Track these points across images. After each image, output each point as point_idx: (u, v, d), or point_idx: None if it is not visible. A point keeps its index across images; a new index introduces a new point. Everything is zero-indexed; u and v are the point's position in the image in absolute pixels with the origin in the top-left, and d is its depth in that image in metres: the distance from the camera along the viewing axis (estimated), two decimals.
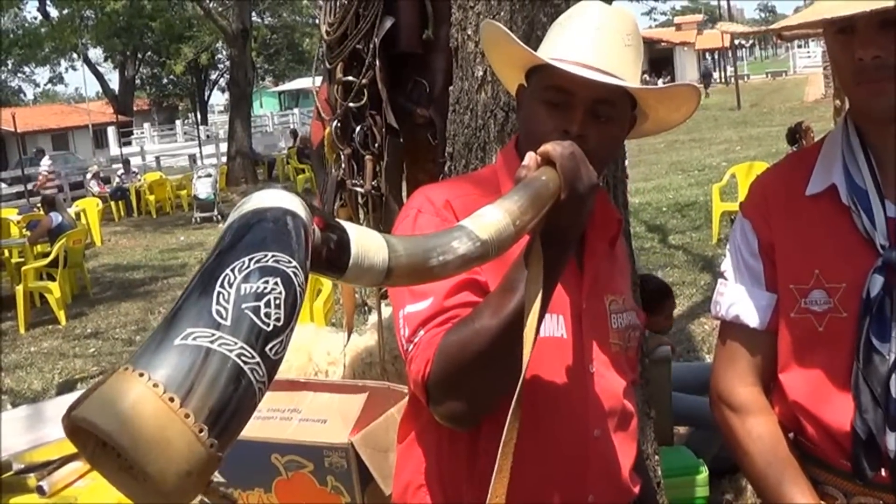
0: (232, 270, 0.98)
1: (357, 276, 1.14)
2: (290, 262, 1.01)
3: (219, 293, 0.96)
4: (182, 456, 0.89)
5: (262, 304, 0.97)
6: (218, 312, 0.95)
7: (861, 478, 1.57)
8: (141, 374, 0.90)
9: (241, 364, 0.94)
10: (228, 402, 0.92)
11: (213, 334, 0.93)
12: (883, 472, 1.55)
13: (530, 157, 1.36)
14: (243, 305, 0.96)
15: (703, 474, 3.75)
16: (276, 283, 0.98)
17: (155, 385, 0.90)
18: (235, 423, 0.94)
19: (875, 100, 1.54)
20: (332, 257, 1.11)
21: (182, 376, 0.91)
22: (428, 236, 1.24)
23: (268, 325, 0.97)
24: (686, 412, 4.32)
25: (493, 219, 1.24)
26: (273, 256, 1.00)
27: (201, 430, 0.90)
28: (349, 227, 1.14)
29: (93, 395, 0.91)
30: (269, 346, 0.97)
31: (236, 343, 0.94)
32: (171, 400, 0.89)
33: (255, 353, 0.95)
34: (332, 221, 1.13)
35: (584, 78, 1.50)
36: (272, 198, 1.07)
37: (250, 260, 0.99)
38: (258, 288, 0.97)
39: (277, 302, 0.98)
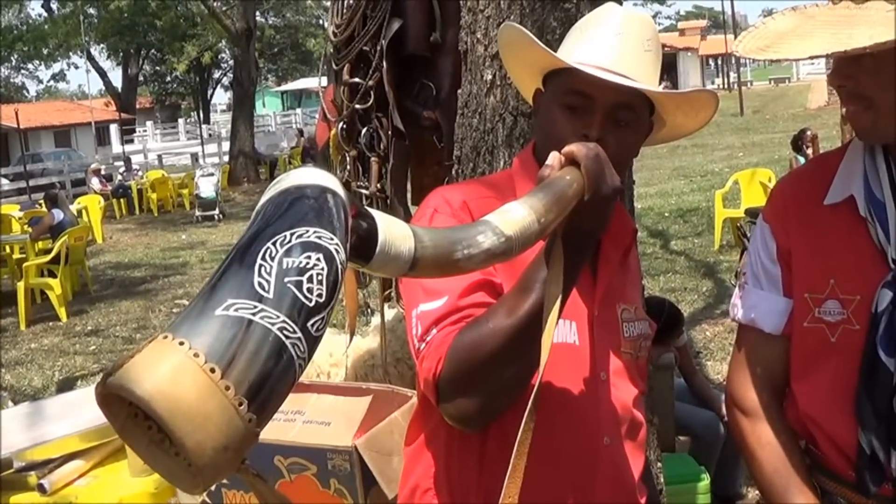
0: (273, 244, 0.96)
1: (383, 265, 1.12)
2: (331, 238, 0.99)
3: (260, 266, 0.94)
4: (220, 430, 0.86)
5: (304, 279, 0.94)
6: (260, 285, 0.93)
7: (864, 492, 1.56)
8: (181, 343, 0.87)
9: (283, 338, 0.91)
10: (269, 376, 0.90)
11: (256, 306, 0.91)
12: (887, 487, 1.54)
13: (554, 157, 1.35)
14: (286, 279, 0.94)
15: (705, 482, 3.75)
16: (318, 259, 0.96)
17: (196, 354, 0.87)
18: (275, 399, 0.92)
19: (852, 125, 1.55)
20: (359, 244, 1.09)
21: (223, 347, 0.88)
22: (454, 229, 1.22)
23: (310, 300, 0.94)
24: (683, 421, 4.32)
25: (518, 215, 1.22)
26: (315, 232, 0.98)
27: (241, 404, 0.87)
28: (377, 215, 1.12)
29: (130, 361, 0.88)
30: (311, 322, 0.94)
31: (279, 317, 0.92)
32: (212, 371, 0.87)
33: (297, 329, 0.93)
34: (362, 209, 1.11)
35: (605, 81, 1.48)
36: (310, 175, 1.05)
37: (292, 234, 0.97)
38: (301, 263, 0.95)
39: (320, 278, 0.96)
